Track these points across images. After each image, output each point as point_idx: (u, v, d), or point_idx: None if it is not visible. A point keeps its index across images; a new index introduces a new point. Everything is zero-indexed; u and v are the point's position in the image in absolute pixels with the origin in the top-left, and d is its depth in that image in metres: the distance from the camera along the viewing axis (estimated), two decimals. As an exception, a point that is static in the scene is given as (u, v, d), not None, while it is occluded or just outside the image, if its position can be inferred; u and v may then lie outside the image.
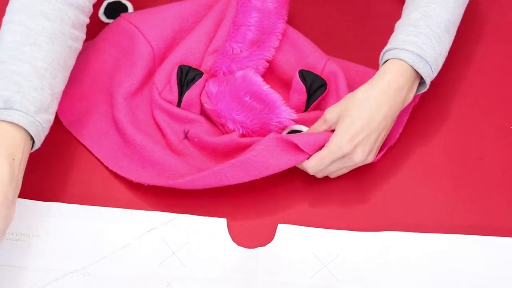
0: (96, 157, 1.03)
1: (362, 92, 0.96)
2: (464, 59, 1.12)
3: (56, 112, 1.04)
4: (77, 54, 1.00)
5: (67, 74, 0.98)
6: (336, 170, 0.97)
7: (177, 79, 1.04)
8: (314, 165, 0.95)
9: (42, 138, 0.93)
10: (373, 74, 1.01)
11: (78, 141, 1.04)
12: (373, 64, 1.07)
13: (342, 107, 0.96)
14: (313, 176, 1.00)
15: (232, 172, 0.96)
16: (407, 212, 0.98)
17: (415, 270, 0.93)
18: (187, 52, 1.06)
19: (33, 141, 0.92)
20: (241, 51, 1.06)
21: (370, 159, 0.97)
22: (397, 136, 1.03)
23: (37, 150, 0.98)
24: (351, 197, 1.00)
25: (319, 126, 0.98)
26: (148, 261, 0.94)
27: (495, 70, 1.11)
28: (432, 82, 1.08)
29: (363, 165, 1.01)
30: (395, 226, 0.96)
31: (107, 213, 0.98)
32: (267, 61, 1.07)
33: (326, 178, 1.00)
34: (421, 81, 1.00)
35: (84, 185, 1.01)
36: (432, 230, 0.96)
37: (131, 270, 0.93)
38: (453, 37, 1.03)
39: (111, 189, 1.00)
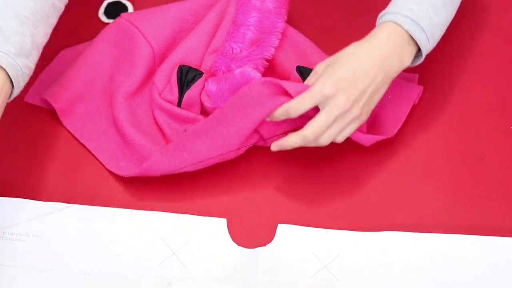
0: (96, 157, 1.03)
1: (352, 47, 0.96)
2: (464, 59, 1.12)
3: (56, 112, 1.05)
4: (59, 14, 1.01)
5: (49, 30, 0.99)
6: (325, 122, 0.93)
7: (177, 79, 1.04)
8: (294, 104, 0.93)
9: (22, 85, 0.93)
10: None
11: (78, 141, 1.04)
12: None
13: (331, 59, 0.96)
14: (313, 176, 1.00)
15: (223, 115, 0.97)
16: (407, 212, 0.98)
17: (415, 270, 0.93)
18: (187, 52, 1.06)
19: (12, 87, 0.92)
20: (240, 50, 1.06)
21: (356, 111, 0.93)
22: (396, 129, 1.03)
23: (37, 150, 0.98)
24: (351, 197, 1.00)
25: (310, 79, 0.97)
26: (148, 261, 0.94)
27: (495, 70, 1.11)
28: (432, 82, 1.08)
29: (363, 165, 1.01)
30: (395, 226, 0.96)
31: (107, 213, 0.98)
32: (267, 61, 1.07)
33: (326, 178, 1.00)
34: (417, 54, 0.99)
35: (84, 185, 1.01)
36: (432, 230, 0.96)
37: (131, 270, 0.93)
38: (452, 13, 1.02)
39: (111, 189, 1.00)
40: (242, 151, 1.00)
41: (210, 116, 0.99)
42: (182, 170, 0.98)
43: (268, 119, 0.97)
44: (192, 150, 0.98)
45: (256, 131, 1.00)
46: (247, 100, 0.97)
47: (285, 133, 1.00)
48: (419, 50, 0.99)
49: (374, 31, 0.97)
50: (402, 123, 1.04)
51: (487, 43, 1.13)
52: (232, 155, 1.00)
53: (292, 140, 0.95)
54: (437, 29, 0.99)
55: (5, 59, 0.90)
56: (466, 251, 0.94)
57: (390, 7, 0.99)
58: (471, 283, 0.92)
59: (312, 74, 0.98)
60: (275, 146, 0.97)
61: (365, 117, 0.96)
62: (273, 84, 0.96)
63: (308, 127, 0.93)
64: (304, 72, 1.03)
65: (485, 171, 1.01)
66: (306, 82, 0.98)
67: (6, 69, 0.91)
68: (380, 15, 1.00)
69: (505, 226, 0.97)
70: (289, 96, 0.96)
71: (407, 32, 0.96)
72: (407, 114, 1.05)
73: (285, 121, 0.98)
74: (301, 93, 0.94)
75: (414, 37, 0.96)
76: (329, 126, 0.93)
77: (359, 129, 0.98)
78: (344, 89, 0.92)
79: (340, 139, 0.96)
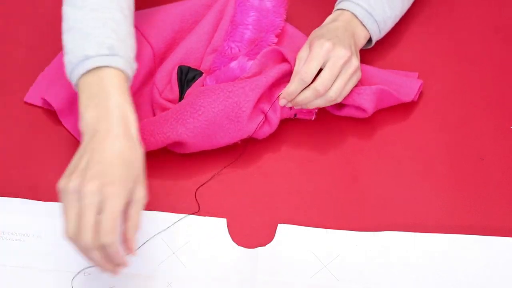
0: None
1: (321, 28, 1.04)
2: (464, 59, 1.12)
3: (56, 112, 1.05)
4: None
5: None
6: (333, 75, 0.98)
7: (177, 79, 1.04)
8: (304, 69, 0.98)
9: (130, 84, 0.93)
10: (371, 72, 1.04)
11: (78, 141, 1.04)
12: (372, 62, 1.07)
13: (312, 36, 1.02)
14: (313, 176, 1.00)
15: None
16: (407, 212, 0.98)
17: (415, 270, 0.93)
18: (187, 52, 1.06)
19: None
20: (239, 50, 1.06)
21: (356, 61, 1.00)
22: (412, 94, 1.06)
23: (37, 150, 0.99)
24: (351, 197, 0.99)
25: (302, 52, 1.02)
26: (148, 261, 0.94)
27: (495, 70, 1.11)
28: (432, 82, 1.08)
29: (363, 165, 1.01)
30: (395, 226, 0.96)
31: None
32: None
33: (326, 178, 1.00)
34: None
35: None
36: (432, 230, 0.96)
37: (131, 270, 0.93)
38: (407, 6, 1.12)
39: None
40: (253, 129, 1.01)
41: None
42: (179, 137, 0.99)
43: (287, 99, 1.00)
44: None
45: (261, 110, 1.00)
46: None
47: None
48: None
49: (333, 19, 1.05)
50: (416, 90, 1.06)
51: (487, 43, 1.13)
52: (238, 131, 1.00)
53: (303, 94, 0.99)
54: (390, 20, 1.08)
55: (127, 65, 0.91)
56: (466, 251, 0.94)
57: None
58: (471, 283, 0.92)
59: (303, 49, 1.02)
60: (283, 99, 1.00)
61: (360, 73, 1.02)
62: (273, 51, 1.02)
63: (318, 80, 0.98)
64: None
65: (485, 171, 1.01)
66: (299, 55, 1.02)
67: (129, 74, 0.91)
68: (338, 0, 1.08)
69: (505, 226, 0.97)
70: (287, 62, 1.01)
71: (361, 22, 1.05)
72: (411, 98, 1.05)
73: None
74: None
75: (366, 27, 1.05)
76: (336, 78, 0.99)
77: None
78: (339, 42, 0.99)
79: (346, 90, 1.00)
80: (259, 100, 1.00)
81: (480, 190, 1.00)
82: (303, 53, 1.01)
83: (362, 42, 1.06)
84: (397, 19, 1.10)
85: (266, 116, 1.01)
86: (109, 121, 0.85)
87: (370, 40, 1.07)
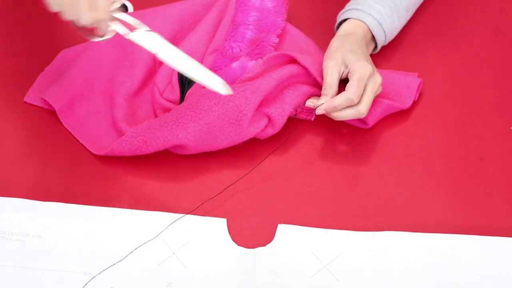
0: (95, 158, 1.03)
1: (343, 41, 1.05)
2: (465, 59, 1.12)
3: (56, 112, 1.05)
4: None
5: None
6: (371, 96, 1.01)
7: (178, 79, 1.04)
8: (355, 89, 0.99)
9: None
10: None
11: (78, 141, 1.04)
12: (374, 62, 1.07)
13: (339, 53, 1.03)
14: (313, 176, 1.00)
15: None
16: (407, 212, 0.98)
17: (415, 270, 0.93)
18: (188, 52, 1.05)
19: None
20: (240, 50, 1.06)
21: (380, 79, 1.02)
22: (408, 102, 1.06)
23: (37, 150, 0.98)
24: (351, 197, 0.99)
25: (331, 76, 1.02)
26: (148, 261, 0.94)
27: (495, 70, 1.11)
28: (432, 82, 1.08)
29: (363, 165, 1.01)
30: (395, 226, 0.96)
31: (107, 213, 0.97)
32: (267, 60, 1.07)
33: (326, 178, 1.00)
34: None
35: (84, 185, 1.01)
36: (432, 230, 0.96)
37: (131, 270, 0.93)
38: (409, 17, 1.14)
39: (111, 189, 1.00)
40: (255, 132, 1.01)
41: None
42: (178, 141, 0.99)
43: (328, 111, 1.00)
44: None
45: (263, 113, 1.00)
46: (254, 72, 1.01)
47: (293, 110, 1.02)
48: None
49: (347, 31, 1.07)
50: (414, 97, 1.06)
51: (487, 43, 1.13)
52: (239, 134, 1.00)
53: (345, 112, 1.01)
54: (395, 31, 1.11)
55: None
56: (466, 251, 0.94)
57: (360, 3, 1.08)
58: (471, 283, 0.92)
59: (330, 70, 1.01)
60: (323, 110, 1.00)
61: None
62: (280, 56, 1.02)
63: (354, 89, 0.99)
64: None
65: (485, 171, 1.01)
66: (330, 78, 1.01)
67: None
68: (349, 7, 1.08)
69: (505, 226, 0.96)
70: (295, 63, 1.01)
71: (371, 32, 1.08)
72: (409, 105, 1.05)
73: (292, 98, 1.01)
74: (315, 65, 1.03)
75: (376, 38, 1.08)
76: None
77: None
78: (373, 66, 1.02)
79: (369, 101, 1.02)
80: (262, 103, 1.00)
81: (480, 190, 1.00)
82: (334, 64, 1.02)
83: (369, 51, 1.09)
84: (400, 29, 1.13)
85: (270, 118, 1.01)
86: None
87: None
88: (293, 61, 1.03)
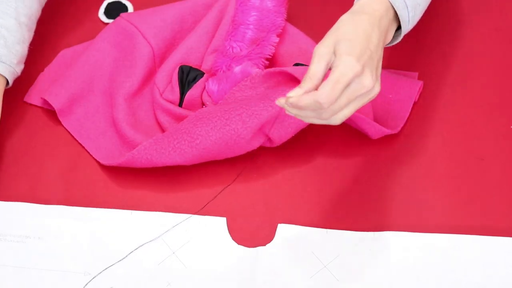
0: (95, 158, 1.03)
1: (347, 22, 0.88)
2: (465, 59, 1.12)
3: (56, 112, 1.05)
4: (42, 7, 1.10)
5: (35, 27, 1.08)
6: (346, 102, 0.84)
7: (178, 79, 1.04)
8: (328, 92, 0.81)
9: (11, 82, 1.04)
10: None
11: (78, 142, 1.04)
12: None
13: (332, 37, 0.86)
14: (313, 176, 1.00)
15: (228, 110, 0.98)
16: (407, 212, 0.98)
17: (415, 270, 0.93)
18: (188, 52, 1.06)
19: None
20: (240, 50, 1.06)
21: (377, 89, 0.86)
22: (401, 125, 1.03)
23: (36, 151, 0.98)
24: (351, 197, 0.99)
25: (317, 66, 0.84)
26: (148, 260, 0.94)
27: (495, 70, 1.10)
28: (432, 82, 1.08)
29: (363, 165, 1.01)
30: (395, 226, 0.96)
31: (107, 214, 0.98)
32: (267, 59, 1.07)
33: (326, 178, 1.00)
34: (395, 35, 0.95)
35: (84, 186, 1.01)
36: (432, 230, 0.96)
37: (131, 270, 0.93)
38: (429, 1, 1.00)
39: (111, 190, 1.00)
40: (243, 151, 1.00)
41: (207, 109, 1.00)
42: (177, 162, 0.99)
43: (290, 101, 0.83)
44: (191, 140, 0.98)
45: (263, 132, 1.00)
46: (249, 92, 0.97)
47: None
48: (396, 31, 0.95)
49: (365, 3, 0.90)
50: (405, 119, 1.04)
51: (487, 43, 1.13)
52: (236, 152, 1.00)
53: (304, 99, 0.83)
54: (419, 9, 0.96)
55: (8, 70, 1.02)
56: (466, 251, 0.94)
57: None
58: (471, 283, 0.92)
59: (316, 58, 0.85)
60: (283, 100, 0.84)
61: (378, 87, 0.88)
62: (276, 74, 0.98)
63: (327, 91, 0.82)
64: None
65: (485, 171, 1.01)
66: (315, 69, 0.84)
67: (8, 78, 1.02)
68: None
69: (505, 226, 0.96)
70: (295, 82, 0.96)
71: (392, 6, 0.91)
72: (409, 110, 1.05)
73: (295, 122, 0.99)
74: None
75: (398, 12, 0.92)
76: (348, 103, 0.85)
77: (367, 116, 0.99)
78: (366, 64, 0.85)
79: (343, 115, 0.86)
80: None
81: (480, 190, 1.00)
82: (325, 52, 0.85)
83: (390, 38, 0.93)
84: (423, 11, 0.98)
85: (270, 139, 1.00)
86: None
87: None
88: (294, 79, 0.99)
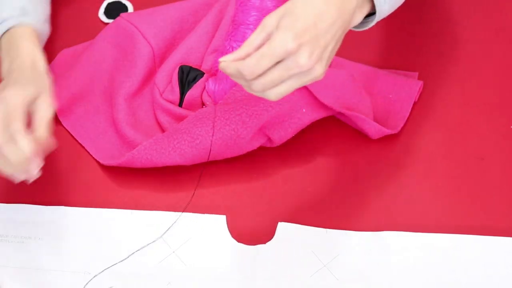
0: (93, 157, 1.03)
1: None
2: (464, 59, 1.12)
3: (56, 112, 1.05)
4: None
5: None
6: (278, 78, 0.80)
7: (178, 79, 1.04)
8: (252, 64, 0.79)
9: (42, 45, 1.03)
10: (370, 72, 1.03)
11: (78, 142, 1.04)
12: (373, 62, 1.07)
13: (282, 9, 0.81)
14: (313, 175, 1.00)
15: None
16: (407, 212, 0.98)
17: (415, 270, 0.93)
18: (188, 52, 1.06)
19: None
20: (240, 50, 1.06)
21: (319, 71, 0.81)
22: (400, 125, 1.03)
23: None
24: (351, 197, 0.99)
25: (257, 36, 0.81)
26: (148, 259, 0.94)
27: (495, 70, 1.11)
28: (432, 82, 1.08)
29: (363, 165, 1.01)
30: (395, 226, 0.96)
31: (107, 214, 0.98)
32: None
33: (326, 178, 1.00)
34: (367, 18, 0.89)
35: (84, 186, 1.01)
36: (432, 230, 0.96)
37: (130, 269, 0.93)
38: None
39: (111, 190, 1.00)
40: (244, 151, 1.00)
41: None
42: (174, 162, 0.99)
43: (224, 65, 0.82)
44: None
45: (263, 132, 1.00)
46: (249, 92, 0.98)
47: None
48: (367, 16, 0.88)
49: None
50: (405, 119, 1.04)
51: (487, 43, 1.13)
52: (236, 152, 1.00)
53: (230, 66, 0.81)
54: None
55: (38, 24, 1.01)
56: (466, 251, 0.94)
57: None
58: (471, 283, 0.92)
59: (260, 28, 0.81)
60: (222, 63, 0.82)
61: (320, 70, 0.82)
62: None
63: (250, 63, 0.80)
64: None
65: (485, 171, 1.01)
66: (250, 40, 0.81)
67: (40, 32, 1.01)
68: None
69: (505, 226, 0.96)
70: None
71: None
72: (409, 110, 1.05)
73: (295, 122, 0.99)
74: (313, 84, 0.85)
75: None
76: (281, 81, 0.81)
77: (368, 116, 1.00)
78: (307, 43, 0.79)
79: (277, 91, 0.82)
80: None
81: (480, 190, 1.00)
82: (270, 24, 0.81)
83: (358, 20, 0.85)
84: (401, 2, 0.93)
85: (270, 139, 1.01)
86: (19, 62, 0.95)
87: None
88: None
